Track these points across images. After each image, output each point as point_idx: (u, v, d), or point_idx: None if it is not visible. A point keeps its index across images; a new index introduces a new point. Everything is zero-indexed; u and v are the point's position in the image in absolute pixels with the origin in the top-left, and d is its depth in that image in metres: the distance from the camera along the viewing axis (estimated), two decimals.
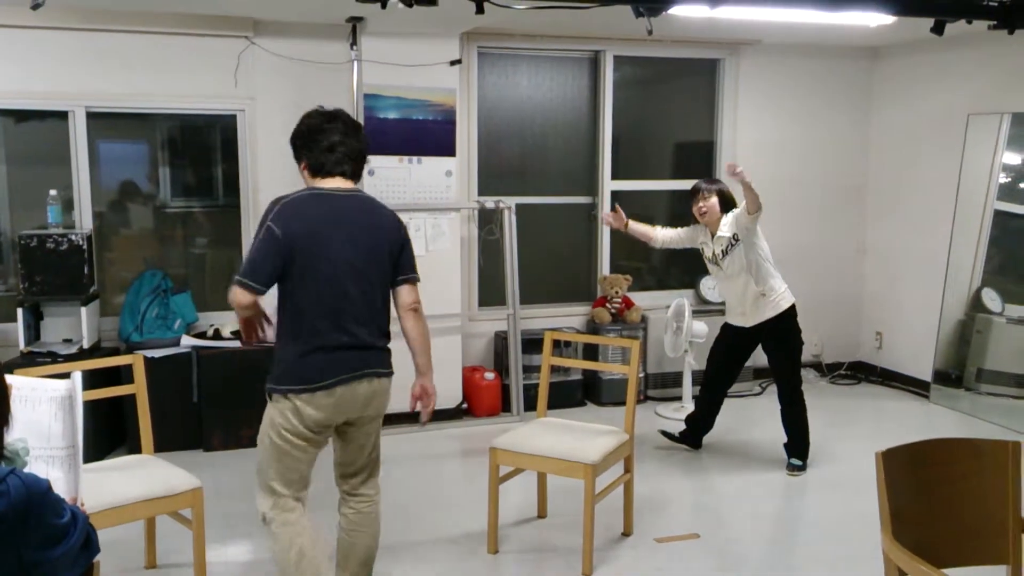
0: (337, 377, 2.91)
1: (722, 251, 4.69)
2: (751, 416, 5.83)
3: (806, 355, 6.83)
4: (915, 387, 6.44)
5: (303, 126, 3.14)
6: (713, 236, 4.73)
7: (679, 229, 4.95)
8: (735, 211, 4.65)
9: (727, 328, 4.93)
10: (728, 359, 4.94)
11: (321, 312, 2.90)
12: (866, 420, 5.88)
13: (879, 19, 4.88)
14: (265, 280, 2.86)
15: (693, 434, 5.10)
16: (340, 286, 2.91)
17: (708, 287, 6.38)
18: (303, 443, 2.93)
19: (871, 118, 6.84)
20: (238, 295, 2.85)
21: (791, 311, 4.71)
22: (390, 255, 3.03)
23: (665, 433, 5.18)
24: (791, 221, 6.67)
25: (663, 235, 4.99)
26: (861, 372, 6.92)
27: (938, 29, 4.05)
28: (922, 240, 6.41)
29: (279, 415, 2.90)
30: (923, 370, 6.34)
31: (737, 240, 4.62)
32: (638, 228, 4.99)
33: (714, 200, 4.69)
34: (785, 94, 6.61)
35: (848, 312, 6.98)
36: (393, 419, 5.50)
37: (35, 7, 3.83)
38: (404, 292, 3.09)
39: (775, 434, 5.45)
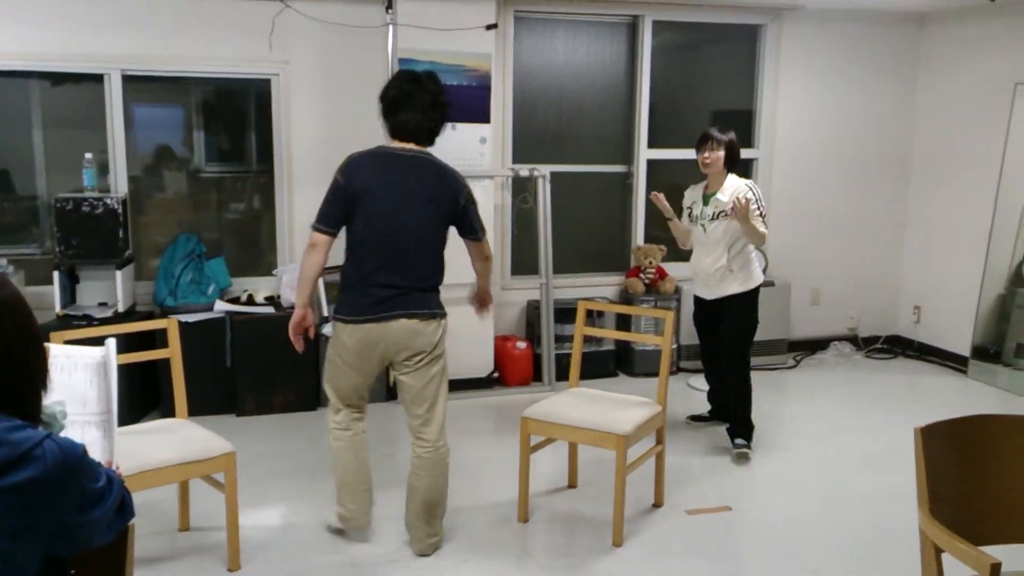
0: (367, 315, 3.30)
1: (712, 214, 4.49)
2: (783, 389, 5.78)
3: (841, 327, 6.81)
4: (953, 362, 6.35)
5: (391, 92, 3.42)
6: (707, 196, 4.53)
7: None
8: (743, 192, 4.36)
9: (695, 299, 4.79)
10: (708, 331, 4.77)
11: (372, 256, 3.29)
12: (902, 395, 5.80)
13: None
14: (332, 223, 3.31)
15: (720, 408, 4.96)
16: (391, 235, 3.28)
17: None
18: (346, 366, 3.41)
19: (916, 87, 6.68)
20: (312, 236, 3.30)
21: (753, 292, 4.54)
22: (446, 215, 3.38)
23: (694, 417, 5.06)
24: (830, 192, 6.56)
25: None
26: (898, 346, 6.82)
27: None
28: (964, 213, 6.28)
29: (334, 335, 3.41)
30: (962, 345, 6.24)
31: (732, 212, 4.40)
32: (679, 225, 4.76)
33: (721, 153, 4.45)
34: (828, 61, 6.47)
35: (886, 285, 6.87)
36: None
37: None
38: (471, 247, 3.59)
39: (809, 407, 5.41)
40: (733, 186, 4.47)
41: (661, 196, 4.69)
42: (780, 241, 6.42)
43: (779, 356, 6.22)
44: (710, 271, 4.54)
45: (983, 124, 6.10)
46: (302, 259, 3.40)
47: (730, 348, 4.59)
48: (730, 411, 4.67)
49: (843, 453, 4.69)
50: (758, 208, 4.38)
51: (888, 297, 6.89)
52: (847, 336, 6.79)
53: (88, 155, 4.92)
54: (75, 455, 1.53)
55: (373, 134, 5.48)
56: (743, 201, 4.24)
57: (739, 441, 4.58)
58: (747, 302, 4.55)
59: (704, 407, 5.08)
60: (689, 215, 4.65)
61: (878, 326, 6.89)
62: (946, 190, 6.46)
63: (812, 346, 6.68)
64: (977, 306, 6.08)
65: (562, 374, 5.51)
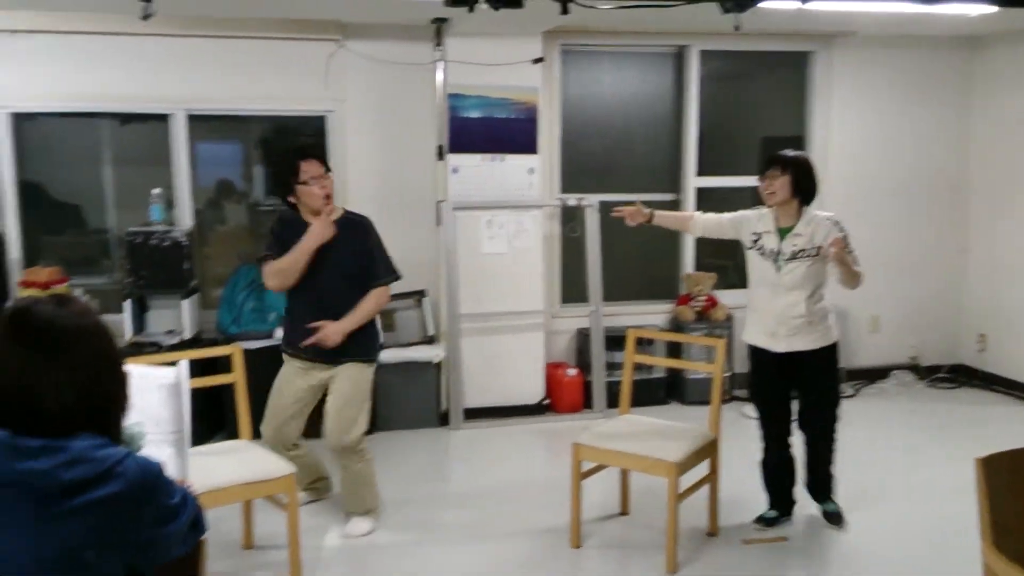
0: None
1: (792, 253, 3.77)
2: (842, 419, 5.72)
3: (903, 356, 6.68)
4: (1021, 391, 6.21)
5: None
6: (781, 230, 3.81)
7: (724, 215, 4.07)
8: (834, 232, 3.72)
9: (756, 352, 3.98)
10: (778, 392, 3.98)
11: None
12: (966, 425, 5.66)
13: (980, 8, 4.72)
14: None
15: (783, 501, 4.11)
16: None
17: None
18: None
19: (971, 111, 6.59)
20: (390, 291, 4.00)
21: (835, 347, 3.91)
22: None
23: (765, 521, 4.08)
24: (888, 220, 6.49)
25: (703, 220, 4.13)
26: (963, 376, 6.66)
27: None
28: None
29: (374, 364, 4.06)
30: None
31: (818, 254, 3.75)
32: (668, 216, 4.25)
33: (784, 180, 3.74)
34: (880, 87, 6.43)
35: (949, 313, 6.73)
36: (475, 413, 5.60)
37: (145, 17, 4.02)
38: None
39: (869, 437, 5.33)
40: (813, 223, 3.77)
41: (622, 210, 4.11)
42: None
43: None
44: (783, 319, 3.80)
45: None
46: (382, 306, 4.02)
47: (819, 409, 3.93)
48: (809, 477, 4.06)
49: (904, 484, 4.61)
50: (848, 246, 3.73)
51: (951, 325, 6.75)
52: (908, 365, 6.67)
53: (156, 190, 5.13)
54: (153, 472, 1.63)
55: (424, 168, 5.64)
56: (838, 243, 3.60)
57: (832, 506, 4.04)
58: (833, 358, 3.91)
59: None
60: (757, 247, 3.88)
61: (941, 355, 6.73)
62: (1009, 215, 6.34)
63: (872, 375, 6.57)
64: None
65: (612, 401, 5.54)
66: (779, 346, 3.85)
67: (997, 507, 2.30)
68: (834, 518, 4.02)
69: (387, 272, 3.97)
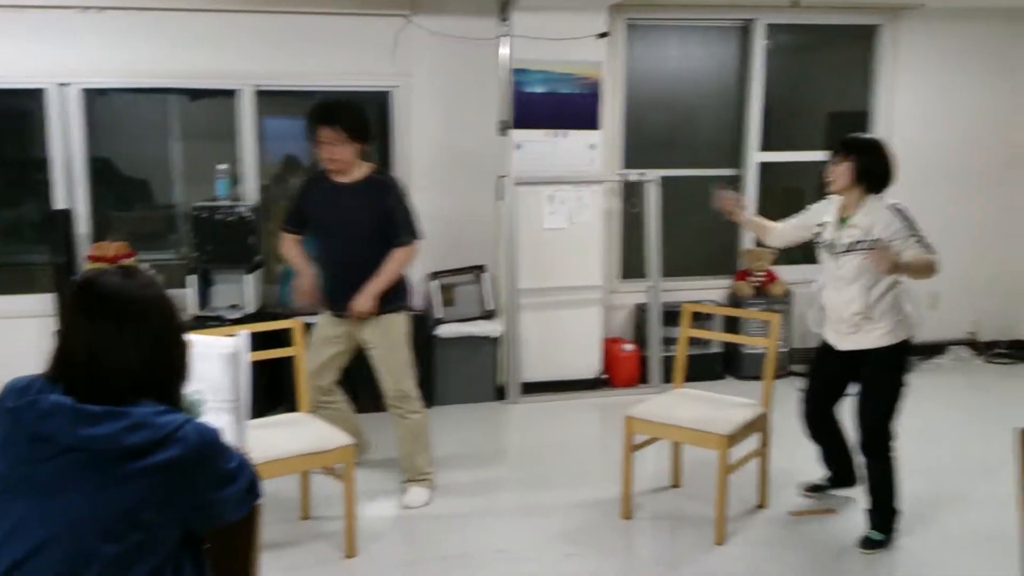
0: None
1: (848, 244, 3.56)
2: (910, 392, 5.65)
3: (960, 332, 6.57)
4: None
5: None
6: (843, 219, 3.61)
7: (794, 220, 3.95)
8: (897, 222, 3.48)
9: (822, 345, 3.85)
10: (830, 379, 3.85)
11: None
12: (1022, 400, 5.59)
13: None
14: None
15: (843, 471, 4.03)
16: None
17: None
18: None
19: None
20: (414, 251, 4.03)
21: (902, 346, 3.58)
22: None
23: (811, 489, 4.12)
24: (949, 194, 6.36)
25: (780, 229, 4.01)
26: (1021, 351, 6.58)
27: None
28: None
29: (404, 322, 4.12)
30: None
31: (874, 247, 3.45)
32: (756, 222, 4.17)
33: (846, 165, 3.52)
34: (947, 61, 6.28)
35: (1008, 289, 6.62)
36: (532, 388, 5.66)
37: None
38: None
39: (925, 412, 5.25)
40: (873, 213, 3.52)
41: (726, 196, 4.00)
42: None
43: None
44: (843, 314, 3.62)
45: None
46: (408, 264, 4.06)
47: (867, 421, 3.61)
48: (863, 480, 3.75)
49: (958, 459, 4.58)
50: (914, 235, 3.48)
51: (1010, 301, 6.63)
52: (966, 340, 6.57)
53: (222, 166, 5.26)
54: (211, 438, 1.71)
55: (487, 141, 5.68)
56: (877, 259, 3.36)
57: (874, 535, 3.64)
58: (895, 359, 3.58)
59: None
60: (818, 238, 3.74)
61: (999, 330, 6.64)
62: None
63: (929, 351, 6.47)
64: None
65: (668, 376, 5.54)
66: (842, 344, 3.69)
67: None
68: (866, 543, 3.63)
69: (407, 233, 4.00)
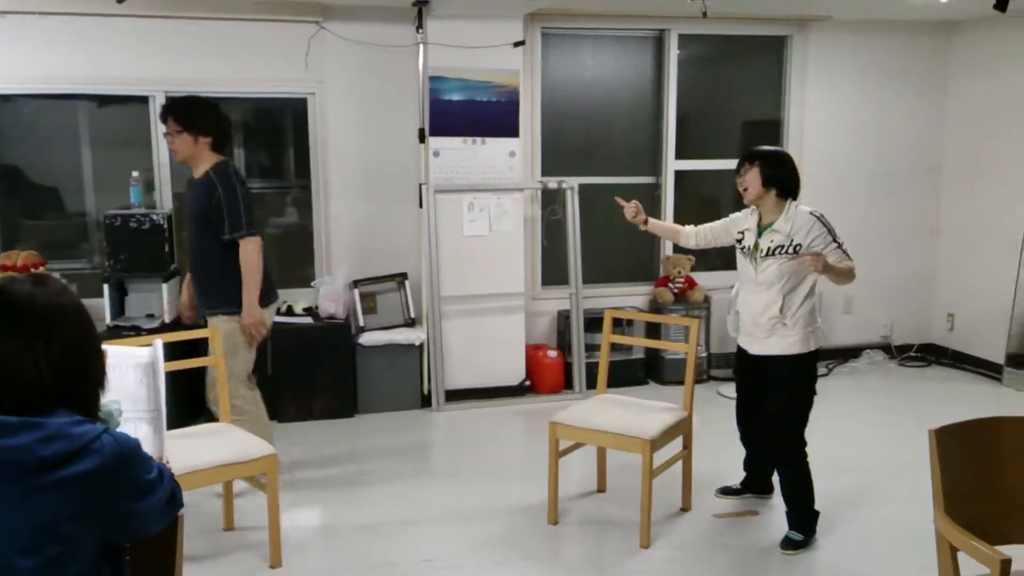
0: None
1: (767, 249, 3.67)
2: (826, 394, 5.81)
3: (875, 336, 6.80)
4: (987, 370, 6.33)
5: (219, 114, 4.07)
6: (761, 225, 3.73)
7: (716, 222, 4.05)
8: (816, 229, 3.61)
9: (738, 351, 3.96)
10: (748, 389, 3.97)
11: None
12: (935, 403, 5.80)
13: None
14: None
15: (758, 479, 4.17)
16: None
17: None
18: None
19: (947, 95, 6.68)
20: (257, 240, 3.97)
21: (811, 356, 3.69)
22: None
23: (724, 490, 4.23)
24: (860, 200, 6.59)
25: (695, 232, 4.10)
26: (932, 354, 6.82)
27: (1001, 6, 3.96)
28: (997, 220, 6.27)
29: (264, 316, 4.07)
30: (996, 353, 6.23)
31: (797, 252, 3.60)
32: (661, 226, 4.29)
33: (754, 172, 3.66)
34: (855, 71, 6.51)
35: (919, 293, 6.88)
36: (457, 395, 5.65)
37: (120, 1, 4.03)
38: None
39: (840, 414, 5.43)
40: (793, 219, 3.64)
41: (628, 204, 4.15)
42: None
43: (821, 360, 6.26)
44: (758, 319, 3.71)
45: (1016, 130, 6.10)
46: (255, 261, 3.94)
47: (776, 425, 3.72)
48: (775, 487, 4.00)
49: (873, 459, 4.72)
50: (834, 241, 3.62)
51: (921, 305, 6.89)
52: (880, 344, 6.81)
53: (135, 173, 5.12)
54: (130, 448, 1.66)
55: (408, 149, 5.66)
56: (810, 261, 3.47)
57: (794, 535, 3.70)
58: (803, 367, 3.69)
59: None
60: (740, 245, 3.83)
61: (911, 334, 6.89)
62: (979, 197, 6.46)
63: (844, 354, 6.69)
64: (1011, 313, 6.07)
65: (592, 382, 5.60)
66: (754, 348, 3.80)
67: (949, 476, 2.39)
68: (786, 543, 3.69)
69: (233, 228, 3.92)
